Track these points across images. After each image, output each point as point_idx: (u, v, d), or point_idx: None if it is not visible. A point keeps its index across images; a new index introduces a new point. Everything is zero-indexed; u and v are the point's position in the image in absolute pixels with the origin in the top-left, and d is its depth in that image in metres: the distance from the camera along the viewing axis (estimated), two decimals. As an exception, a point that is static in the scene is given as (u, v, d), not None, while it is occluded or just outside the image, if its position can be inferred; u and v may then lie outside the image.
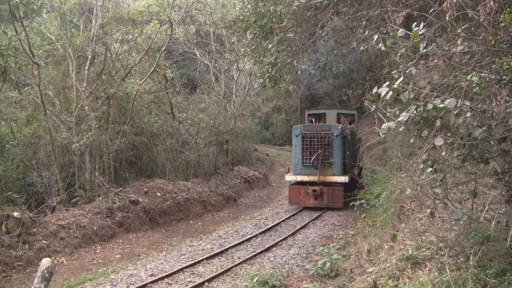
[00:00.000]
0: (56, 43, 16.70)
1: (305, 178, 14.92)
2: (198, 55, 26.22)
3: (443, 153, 4.04)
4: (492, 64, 3.86)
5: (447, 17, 4.30)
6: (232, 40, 23.16)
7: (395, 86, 3.65)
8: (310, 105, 29.17)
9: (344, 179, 14.44)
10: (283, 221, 13.32)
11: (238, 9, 21.77)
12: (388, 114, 4.39)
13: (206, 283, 7.76)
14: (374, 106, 4.04)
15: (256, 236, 11.49)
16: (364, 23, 7.01)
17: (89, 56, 15.94)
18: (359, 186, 13.44)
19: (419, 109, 3.58)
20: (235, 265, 8.80)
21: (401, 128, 3.88)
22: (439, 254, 4.94)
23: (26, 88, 16.77)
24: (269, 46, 10.15)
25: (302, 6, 9.22)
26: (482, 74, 3.65)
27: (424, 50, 3.82)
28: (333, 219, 13.38)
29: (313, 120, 17.74)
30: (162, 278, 8.07)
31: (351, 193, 12.24)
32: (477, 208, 5.33)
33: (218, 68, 24.87)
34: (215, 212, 16.27)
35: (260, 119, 35.79)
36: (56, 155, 14.05)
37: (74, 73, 15.56)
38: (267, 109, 36.98)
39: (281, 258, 9.34)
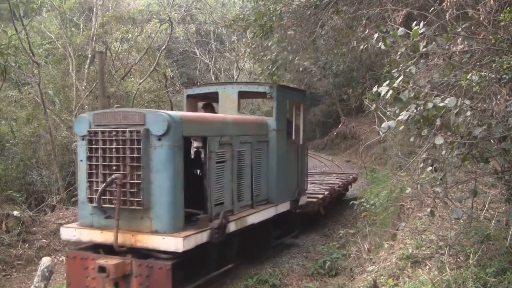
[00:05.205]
0: (56, 42, 16.70)
1: (96, 237, 5.50)
2: (198, 54, 26.21)
3: (443, 152, 4.04)
4: (492, 63, 3.85)
5: (447, 16, 4.30)
6: (232, 39, 23.16)
7: (395, 85, 3.66)
8: (310, 104, 23.97)
9: (175, 244, 4.93)
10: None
11: (238, 8, 21.84)
12: (388, 113, 4.39)
13: (206, 282, 7.74)
14: (374, 105, 4.04)
15: (256, 235, 11.45)
16: (364, 22, 7.01)
17: (89, 55, 15.94)
18: None
19: (419, 108, 3.59)
20: (235, 264, 8.78)
21: (401, 127, 3.89)
22: (439, 253, 4.93)
23: (26, 87, 16.77)
24: (270, 44, 10.16)
25: (302, 4, 9.21)
26: (482, 73, 3.65)
27: (424, 49, 3.82)
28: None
29: (201, 107, 8.63)
30: (162, 277, 8.02)
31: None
32: (477, 207, 5.33)
33: (218, 67, 24.86)
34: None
35: (260, 118, 35.69)
36: (56, 154, 14.05)
37: (74, 72, 15.56)
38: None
39: (281, 257, 9.34)
